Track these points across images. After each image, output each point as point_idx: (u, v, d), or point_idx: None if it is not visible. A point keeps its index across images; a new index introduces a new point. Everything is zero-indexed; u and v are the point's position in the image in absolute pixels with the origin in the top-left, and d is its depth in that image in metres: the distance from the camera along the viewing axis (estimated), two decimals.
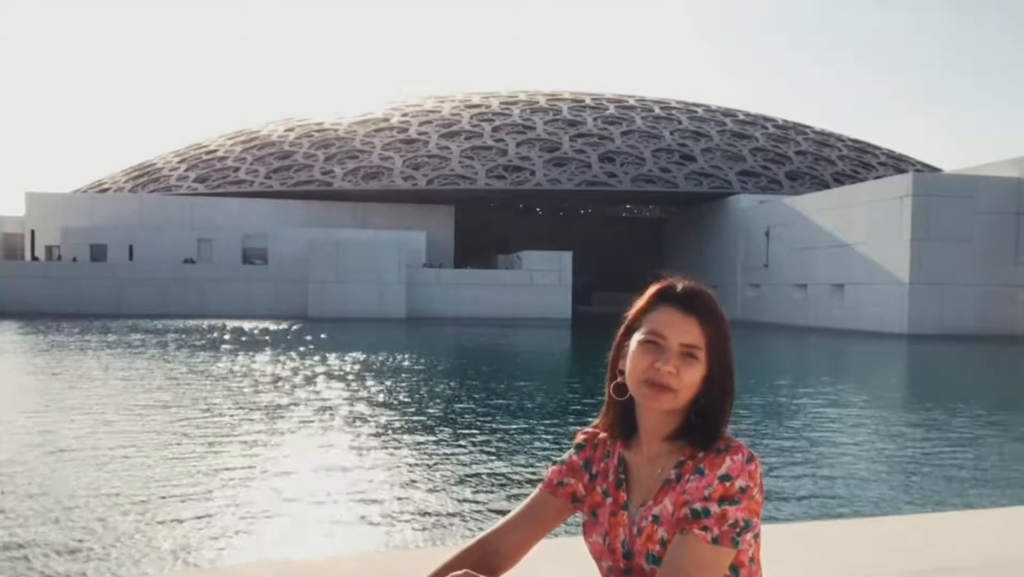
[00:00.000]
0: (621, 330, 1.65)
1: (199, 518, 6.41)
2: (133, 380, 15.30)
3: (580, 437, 1.75)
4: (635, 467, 1.63)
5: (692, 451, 1.56)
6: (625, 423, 1.65)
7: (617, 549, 1.58)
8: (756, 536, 1.53)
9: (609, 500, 1.64)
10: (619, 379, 1.63)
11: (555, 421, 11.72)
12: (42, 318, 36.53)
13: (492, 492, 7.44)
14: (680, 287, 1.60)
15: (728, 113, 63.38)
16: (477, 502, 7.08)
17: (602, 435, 1.72)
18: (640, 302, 1.63)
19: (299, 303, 42.36)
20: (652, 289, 1.63)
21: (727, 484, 1.47)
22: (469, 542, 1.66)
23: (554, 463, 1.75)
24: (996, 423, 12.17)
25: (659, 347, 1.55)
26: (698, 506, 1.47)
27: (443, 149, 53.78)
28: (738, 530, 1.46)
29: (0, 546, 5.67)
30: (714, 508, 1.46)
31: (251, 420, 10.97)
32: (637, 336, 1.59)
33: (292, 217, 49.96)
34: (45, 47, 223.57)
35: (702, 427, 1.55)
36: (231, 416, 11.26)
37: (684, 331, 1.55)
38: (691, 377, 1.54)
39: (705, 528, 1.45)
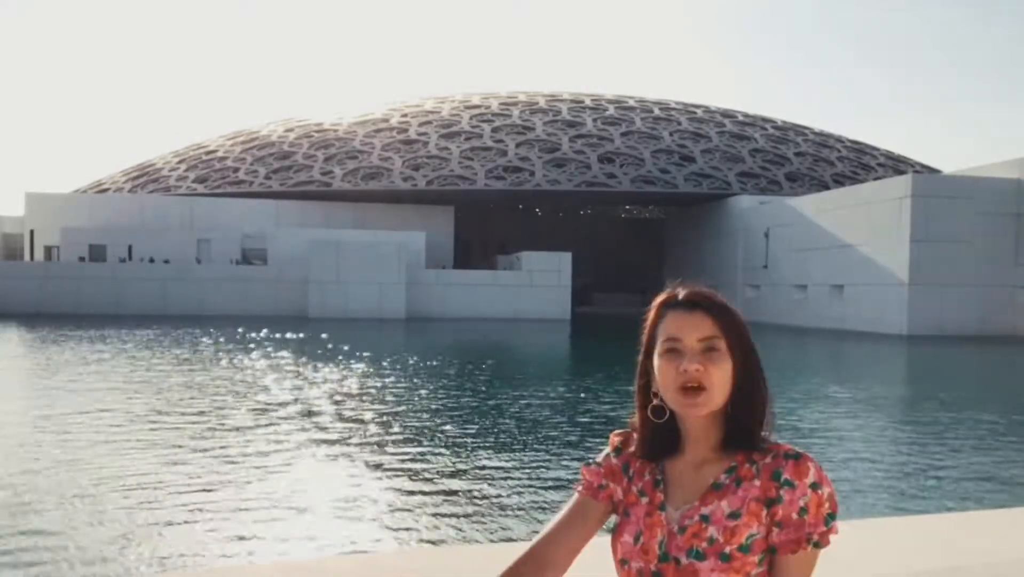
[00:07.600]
0: (641, 354, 1.63)
1: (199, 518, 6.38)
2: (131, 381, 15.27)
3: (616, 439, 1.71)
4: (675, 472, 1.61)
5: (745, 456, 1.55)
6: (663, 442, 1.63)
7: (652, 549, 1.56)
8: None
9: (645, 500, 1.61)
10: (655, 401, 1.60)
11: (554, 421, 11.70)
12: (41, 318, 36.47)
13: (492, 491, 7.41)
14: (682, 293, 1.60)
15: (727, 114, 63.35)
16: (478, 501, 7.05)
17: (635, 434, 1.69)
18: (649, 319, 1.62)
19: (299, 303, 42.32)
20: (656, 302, 1.62)
21: (819, 492, 1.48)
22: (518, 555, 1.61)
23: (587, 464, 1.71)
24: (998, 422, 12.15)
25: (679, 351, 1.54)
26: (811, 533, 1.48)
27: (443, 150, 53.74)
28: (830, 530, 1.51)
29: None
30: (821, 528, 1.48)
31: (249, 419, 10.94)
32: (658, 351, 1.57)
33: (292, 217, 49.89)
34: (45, 47, 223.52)
35: (744, 427, 1.55)
36: (226, 416, 11.23)
37: (696, 326, 1.54)
38: (720, 373, 1.52)
39: (816, 544, 1.49)
